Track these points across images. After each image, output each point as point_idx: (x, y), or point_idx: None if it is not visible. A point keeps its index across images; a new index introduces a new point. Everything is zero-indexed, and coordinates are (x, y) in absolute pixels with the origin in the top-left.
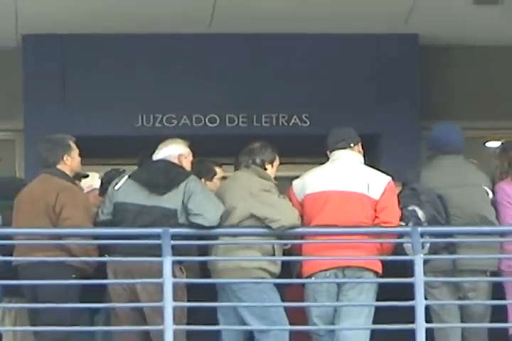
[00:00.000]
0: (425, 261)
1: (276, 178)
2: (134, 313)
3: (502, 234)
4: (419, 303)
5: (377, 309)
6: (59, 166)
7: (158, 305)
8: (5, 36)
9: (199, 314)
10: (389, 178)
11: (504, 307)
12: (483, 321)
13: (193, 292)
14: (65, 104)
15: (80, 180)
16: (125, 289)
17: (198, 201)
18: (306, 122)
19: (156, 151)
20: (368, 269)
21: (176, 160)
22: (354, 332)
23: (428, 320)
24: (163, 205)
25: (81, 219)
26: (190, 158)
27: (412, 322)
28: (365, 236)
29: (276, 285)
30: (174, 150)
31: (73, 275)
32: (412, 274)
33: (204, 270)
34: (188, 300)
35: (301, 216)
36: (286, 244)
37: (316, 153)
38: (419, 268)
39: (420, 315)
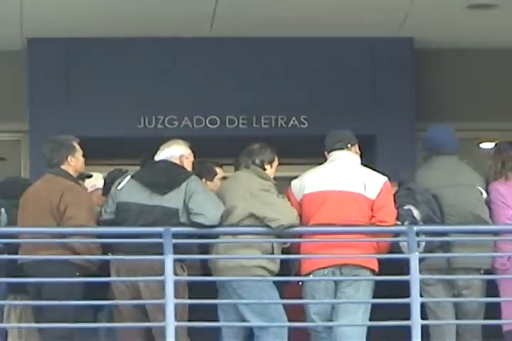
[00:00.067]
0: (421, 260)
1: (275, 178)
2: (137, 310)
3: (495, 233)
4: (415, 300)
5: (374, 306)
6: (63, 166)
7: (160, 303)
8: (10, 40)
9: (200, 311)
10: (385, 178)
11: (497, 305)
12: (477, 318)
13: (194, 289)
14: (69, 105)
15: (84, 180)
16: (128, 287)
17: (199, 200)
18: (304, 124)
19: (158, 152)
20: (364, 267)
21: (177, 161)
22: (351, 329)
23: (423, 316)
24: (165, 205)
25: (85, 219)
26: (192, 158)
27: (408, 318)
28: (362, 235)
29: (276, 282)
30: (176, 151)
31: (77, 273)
32: (407, 272)
33: (205, 268)
34: (189, 298)
35: (300, 215)
36: (285, 243)
37: (314, 153)
38: (414, 266)
39: (416, 312)
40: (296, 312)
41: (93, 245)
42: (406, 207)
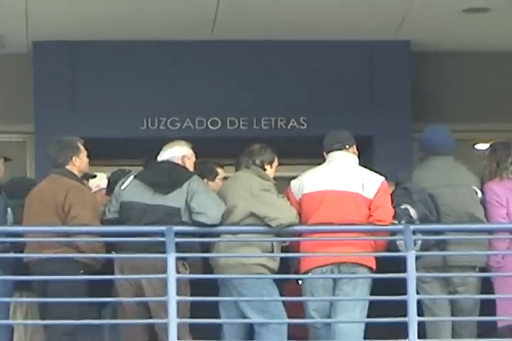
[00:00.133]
0: (417, 258)
1: (275, 178)
2: (140, 307)
3: (490, 232)
4: (412, 297)
5: (372, 303)
6: (68, 167)
7: (162, 300)
8: (16, 43)
9: (201, 308)
10: (382, 178)
11: (492, 301)
12: (472, 314)
13: (195, 287)
14: (74, 107)
15: (88, 180)
16: (131, 284)
17: (201, 200)
18: (303, 125)
19: (161, 153)
20: (362, 265)
21: (179, 161)
22: (349, 325)
23: (420, 313)
24: (168, 204)
25: (89, 218)
26: (193, 159)
27: (405, 315)
28: (360, 234)
29: (275, 280)
30: (178, 152)
31: (81, 271)
32: (404, 270)
33: (206, 266)
34: (191, 295)
35: (299, 214)
36: (284, 241)
37: (313, 154)
38: (411, 264)
39: (412, 308)
40: (295, 309)
41: (97, 244)
42: (403, 207)
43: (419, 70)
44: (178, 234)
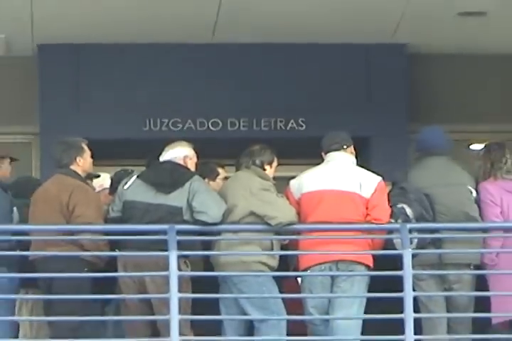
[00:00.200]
0: (413, 256)
1: (274, 178)
2: (142, 304)
3: (485, 230)
4: (408, 295)
5: (369, 300)
6: (72, 167)
7: (164, 297)
8: (22, 46)
9: (203, 305)
10: (380, 178)
11: (487, 298)
12: (467, 311)
13: (197, 284)
14: (78, 109)
15: (92, 180)
16: (134, 281)
17: (202, 199)
18: (302, 126)
19: (163, 153)
20: (359, 263)
21: (181, 162)
22: (347, 321)
23: (416, 310)
24: (169, 203)
25: (93, 217)
26: (195, 159)
27: (401, 312)
28: (358, 232)
29: (275, 277)
30: (180, 152)
31: (85, 269)
32: (401, 267)
33: (207, 264)
34: (193, 292)
35: (298, 213)
36: (284, 240)
37: (312, 154)
38: (407, 261)
39: (409, 305)
40: (294, 306)
41: (101, 242)
42: (399, 206)
43: (415, 72)
44: (179, 232)
